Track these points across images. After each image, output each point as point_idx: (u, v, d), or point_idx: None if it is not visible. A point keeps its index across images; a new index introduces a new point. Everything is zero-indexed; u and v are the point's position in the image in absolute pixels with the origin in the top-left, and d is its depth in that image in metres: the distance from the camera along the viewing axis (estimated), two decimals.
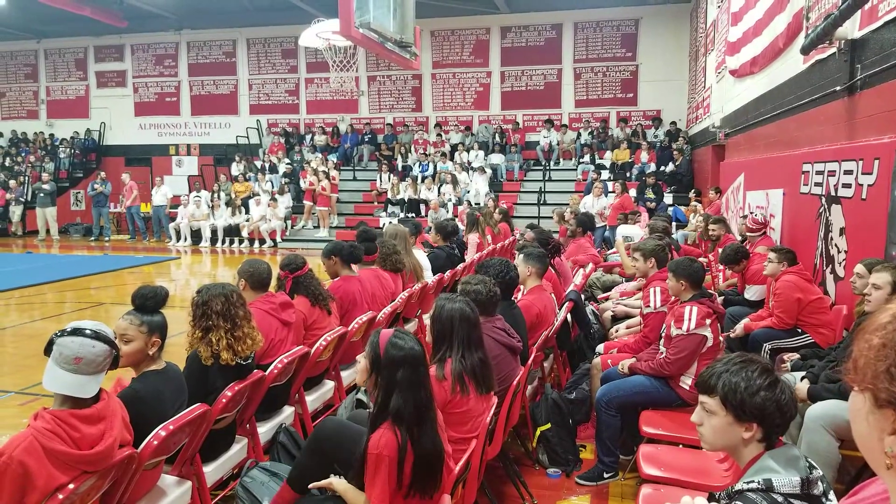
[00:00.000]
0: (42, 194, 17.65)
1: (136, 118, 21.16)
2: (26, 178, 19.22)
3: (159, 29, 19.99)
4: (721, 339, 4.07)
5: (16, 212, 18.43)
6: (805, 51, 5.98)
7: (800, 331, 4.83)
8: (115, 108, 21.24)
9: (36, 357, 2.28)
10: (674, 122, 16.88)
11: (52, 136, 21.53)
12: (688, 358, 3.84)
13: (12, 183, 18.82)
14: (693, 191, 13.13)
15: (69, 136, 21.11)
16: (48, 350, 2.31)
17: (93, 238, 17.81)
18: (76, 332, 2.29)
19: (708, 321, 3.84)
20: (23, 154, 20.93)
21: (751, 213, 7.48)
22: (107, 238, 17.66)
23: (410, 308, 5.94)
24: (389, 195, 16.69)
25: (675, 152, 15.63)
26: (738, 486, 1.69)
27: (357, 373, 2.61)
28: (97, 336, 2.31)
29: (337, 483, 2.49)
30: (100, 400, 2.33)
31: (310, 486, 2.56)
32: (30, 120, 22.06)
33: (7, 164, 20.59)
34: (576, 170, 16.80)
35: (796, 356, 4.38)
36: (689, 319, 3.82)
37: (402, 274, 6.02)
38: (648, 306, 4.59)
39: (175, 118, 20.89)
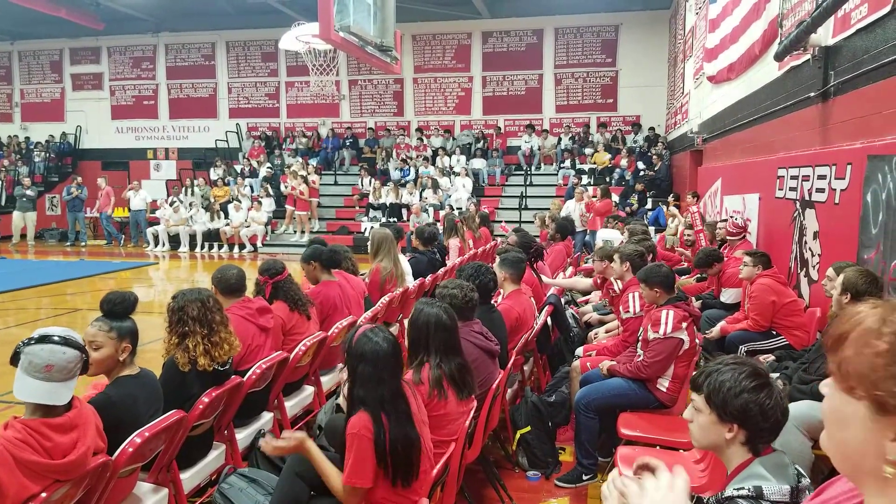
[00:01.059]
0: (24, 199, 17.39)
1: (112, 121, 20.94)
2: (0, 182, 18.92)
3: (137, 31, 19.82)
4: (697, 341, 4.11)
5: None
6: (779, 57, 6.07)
7: (774, 333, 4.90)
8: (92, 112, 21.00)
9: (8, 364, 2.24)
10: (652, 128, 17.04)
11: (27, 139, 21.23)
12: (665, 361, 3.89)
13: None
14: (672, 195, 13.26)
15: (44, 140, 20.83)
16: (14, 360, 2.27)
17: (69, 243, 17.56)
18: (44, 339, 2.26)
19: (684, 324, 3.89)
20: None
21: (730, 217, 7.56)
22: (83, 243, 17.42)
23: (391, 312, 5.93)
24: (371, 199, 16.66)
25: (653, 157, 15.77)
26: (728, 493, 1.70)
27: None
28: (67, 342, 2.28)
29: (309, 445, 2.58)
30: (72, 408, 2.30)
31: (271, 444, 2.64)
32: (3, 123, 21.73)
33: None
34: (557, 174, 16.90)
35: (771, 358, 4.44)
36: (666, 323, 3.86)
37: (380, 279, 6.02)
38: (627, 311, 4.62)
39: (153, 121, 20.70)
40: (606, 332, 5.50)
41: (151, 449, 2.67)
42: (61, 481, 2.19)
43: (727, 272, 6.17)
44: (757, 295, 4.94)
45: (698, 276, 7.42)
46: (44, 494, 2.12)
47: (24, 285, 11.08)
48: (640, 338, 4.10)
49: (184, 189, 17.30)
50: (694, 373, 2.00)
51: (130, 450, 2.47)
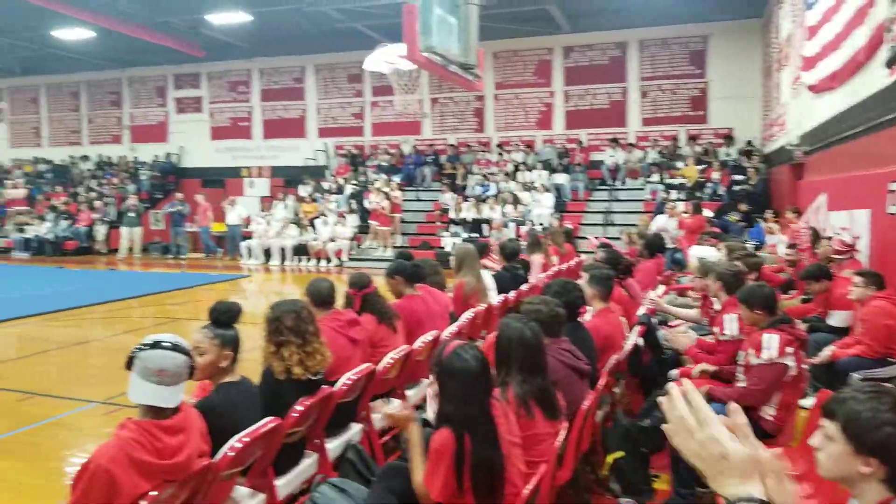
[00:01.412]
0: (132, 215, 18.57)
1: (211, 142, 22.06)
2: (110, 199, 20.26)
3: (233, 57, 20.86)
4: (805, 367, 3.88)
5: (100, 231, 19.45)
6: (890, 63, 5.74)
7: (891, 360, 4.56)
8: (192, 133, 22.20)
9: (120, 369, 2.39)
10: (748, 141, 16.41)
11: (135, 159, 22.61)
12: (769, 388, 3.68)
13: (98, 204, 19.86)
14: (770, 211, 12.68)
15: (150, 160, 22.16)
16: (130, 364, 2.40)
17: (170, 256, 18.55)
18: (157, 345, 2.39)
19: (790, 349, 3.68)
20: (107, 176, 22.09)
21: (836, 234, 7.16)
22: (183, 256, 18.35)
23: (475, 328, 5.92)
24: (452, 215, 16.78)
25: (749, 171, 15.16)
26: None
27: None
28: (177, 348, 2.41)
29: (413, 429, 2.65)
30: (180, 411, 2.42)
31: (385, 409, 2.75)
32: (114, 144, 23.30)
33: (93, 185, 21.76)
34: (643, 189, 16.51)
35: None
36: (770, 348, 3.65)
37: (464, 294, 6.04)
38: (724, 334, 4.42)
39: (247, 142, 21.67)
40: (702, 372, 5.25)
41: (250, 454, 2.77)
42: (169, 481, 2.30)
43: (835, 293, 5.75)
44: (870, 318, 4.63)
45: (802, 296, 7.03)
46: (153, 493, 2.23)
47: (130, 295, 11.78)
48: (741, 363, 3.91)
49: (275, 205, 17.98)
50: (827, 397, 1.86)
51: (231, 454, 2.57)
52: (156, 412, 2.36)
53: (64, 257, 18.55)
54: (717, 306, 5.09)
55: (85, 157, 23.36)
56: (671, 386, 1.22)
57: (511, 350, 2.99)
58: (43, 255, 18.88)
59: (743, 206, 13.86)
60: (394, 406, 2.79)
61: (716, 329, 4.59)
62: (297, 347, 3.24)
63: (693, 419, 1.16)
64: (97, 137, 23.57)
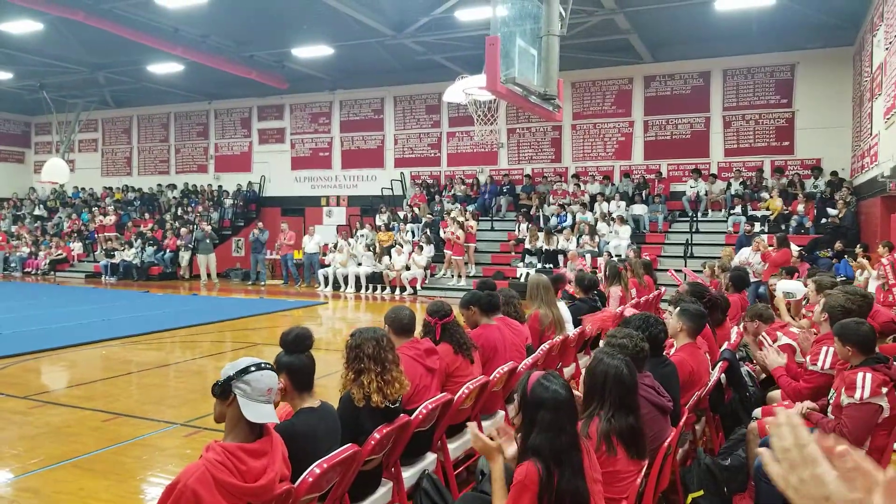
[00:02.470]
0: (207, 241, 19.31)
1: (292, 171, 22.81)
2: (195, 226, 21.15)
3: (315, 90, 21.62)
4: None
5: (185, 257, 20.31)
6: None
7: None
8: (275, 163, 23.04)
9: (199, 392, 2.47)
10: (835, 172, 15.71)
11: (219, 187, 23.61)
12: (862, 430, 3.48)
13: (183, 231, 20.79)
14: (860, 245, 12.06)
15: (233, 189, 23.09)
16: (225, 392, 2.41)
17: (250, 282, 19.14)
18: (259, 367, 2.45)
19: (884, 389, 3.47)
20: (192, 204, 23.12)
21: None
22: (262, 283, 18.91)
23: (551, 360, 5.83)
24: (527, 245, 16.70)
25: (838, 204, 14.48)
26: None
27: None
28: (273, 368, 2.51)
29: (498, 460, 2.59)
30: (264, 435, 2.46)
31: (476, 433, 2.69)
32: (200, 173, 24.42)
33: (179, 213, 22.82)
34: (726, 221, 16.00)
35: None
36: (863, 388, 3.47)
37: (540, 325, 5.97)
38: (815, 364, 4.22)
39: (327, 171, 22.29)
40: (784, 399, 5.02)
41: (328, 480, 2.78)
42: None
43: None
44: None
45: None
46: None
47: (210, 320, 12.19)
48: (832, 402, 3.70)
49: (352, 239, 18.38)
50: None
51: (310, 479, 2.60)
52: (242, 435, 2.41)
53: (149, 282, 19.46)
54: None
55: (172, 186, 24.57)
56: (779, 410, 1.16)
57: (606, 386, 2.92)
58: (129, 280, 19.85)
59: (839, 245, 13.15)
60: (486, 430, 2.75)
61: (808, 359, 4.37)
62: (376, 375, 3.25)
63: (798, 454, 1.09)
64: (184, 167, 24.78)
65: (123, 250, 20.95)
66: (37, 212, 25.69)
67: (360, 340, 3.33)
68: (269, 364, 2.50)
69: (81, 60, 19.26)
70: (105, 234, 22.31)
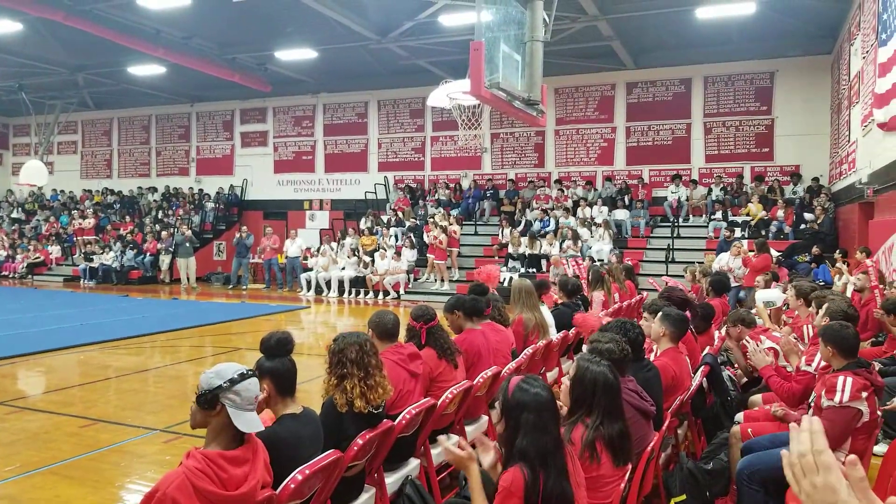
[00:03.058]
0: (188, 245, 19.10)
1: (275, 175, 22.69)
2: (175, 229, 20.95)
3: (299, 92, 21.55)
4: (878, 413, 3.70)
5: (165, 260, 20.09)
6: None
7: None
8: (257, 166, 22.91)
9: (179, 397, 2.44)
10: (815, 178, 15.92)
11: (200, 191, 23.42)
12: (840, 433, 3.52)
13: (164, 234, 20.56)
14: (838, 251, 12.23)
15: (214, 192, 22.90)
16: (212, 402, 2.36)
17: (230, 286, 18.96)
18: (244, 376, 2.42)
19: (864, 394, 3.52)
20: (173, 207, 22.91)
21: None
22: (244, 287, 18.76)
23: (534, 365, 5.83)
24: (510, 250, 16.73)
25: (816, 209, 14.68)
26: None
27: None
28: (254, 373, 2.48)
29: (473, 469, 2.57)
30: (245, 442, 2.43)
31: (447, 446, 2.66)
32: (181, 176, 24.21)
33: (159, 216, 22.60)
34: (707, 227, 16.16)
35: None
36: (843, 391, 3.51)
37: (524, 330, 5.97)
38: (810, 364, 4.28)
39: (310, 175, 22.20)
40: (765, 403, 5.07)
41: (310, 486, 2.76)
42: None
43: None
44: None
45: (872, 339, 6.72)
46: None
47: (190, 325, 12.06)
48: (812, 404, 3.74)
49: (338, 244, 18.28)
50: None
51: (292, 486, 2.57)
52: (227, 443, 2.38)
53: (129, 286, 19.23)
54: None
55: (153, 189, 24.33)
56: (804, 417, 1.18)
57: (596, 393, 2.93)
58: (108, 284, 19.62)
59: (816, 249, 13.33)
60: (453, 442, 2.72)
61: (804, 360, 4.43)
62: (359, 380, 3.23)
63: (813, 460, 1.12)
64: (165, 169, 24.56)
65: (103, 254, 20.71)
66: (14, 214, 25.32)
67: (343, 345, 3.30)
68: (251, 370, 2.47)
69: (61, 61, 19.03)
70: (84, 237, 22.02)
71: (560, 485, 2.41)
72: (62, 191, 25.71)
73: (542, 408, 2.48)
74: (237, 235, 18.91)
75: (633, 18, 14.73)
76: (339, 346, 3.31)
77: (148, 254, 20.32)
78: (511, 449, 2.47)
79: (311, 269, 17.78)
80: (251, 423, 2.39)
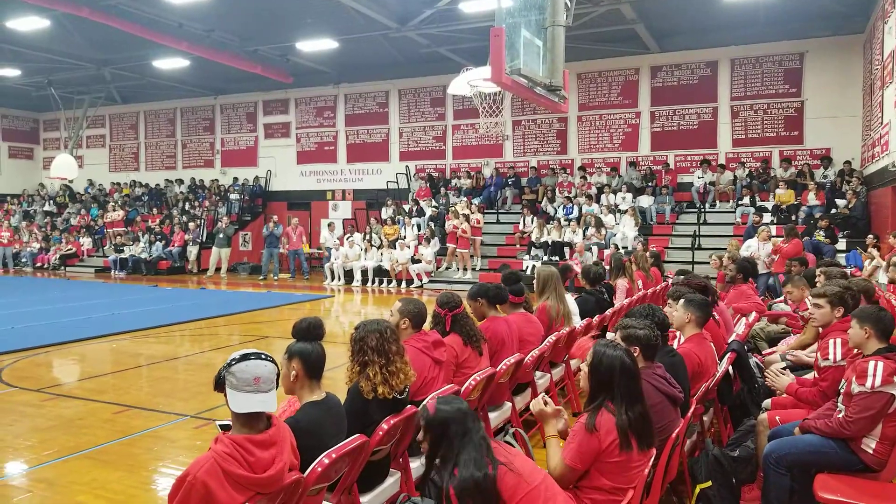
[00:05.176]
0: (221, 236, 19.40)
1: (297, 166, 22.86)
2: (202, 220, 21.23)
3: (320, 83, 21.64)
4: None
5: (192, 251, 20.41)
6: None
7: None
8: (280, 157, 23.09)
9: (207, 384, 2.46)
10: (847, 162, 15.59)
11: (226, 184, 23.61)
12: (872, 418, 3.45)
13: (191, 225, 20.87)
14: (870, 235, 12.00)
15: (239, 183, 23.12)
16: (219, 386, 2.45)
17: (261, 277, 19.06)
18: (245, 357, 2.45)
19: None
20: (199, 199, 23.19)
21: None
22: (275, 277, 18.93)
23: (557, 352, 5.84)
24: (533, 238, 16.67)
25: (848, 193, 14.40)
26: None
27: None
28: (265, 357, 2.48)
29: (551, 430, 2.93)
30: (272, 426, 2.47)
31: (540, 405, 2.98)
32: (206, 168, 24.51)
33: (186, 208, 22.90)
34: (734, 212, 15.94)
35: None
36: (874, 375, 3.43)
37: (548, 318, 5.97)
38: (827, 359, 4.18)
39: (332, 165, 22.32)
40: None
41: (336, 470, 2.80)
42: (262, 494, 2.35)
43: None
44: None
45: None
46: None
47: (219, 314, 12.24)
48: (842, 391, 3.68)
49: (364, 235, 18.39)
50: None
51: (319, 469, 2.61)
52: (249, 426, 2.41)
53: (158, 276, 19.55)
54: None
55: (179, 181, 24.65)
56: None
57: (614, 378, 2.93)
58: (138, 275, 19.95)
59: (824, 222, 13.24)
60: (542, 398, 3.04)
61: (819, 356, 4.34)
62: (380, 367, 3.28)
63: None
64: (191, 162, 24.86)
65: (132, 245, 21.06)
66: (46, 207, 25.82)
67: (363, 333, 3.36)
68: (261, 354, 2.48)
69: (88, 56, 19.33)
70: (114, 229, 22.40)
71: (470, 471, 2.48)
72: (93, 183, 26.14)
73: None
74: (267, 226, 19.06)
75: (656, 1, 14.53)
76: (359, 335, 3.36)
77: (176, 245, 20.62)
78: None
79: (334, 260, 17.87)
80: (248, 404, 2.38)
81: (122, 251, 20.96)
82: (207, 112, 24.35)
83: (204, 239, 20.71)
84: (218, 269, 19.53)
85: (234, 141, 24.00)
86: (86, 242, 22.49)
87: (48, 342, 9.38)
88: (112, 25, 15.28)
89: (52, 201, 26.16)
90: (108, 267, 20.73)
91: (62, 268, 21.64)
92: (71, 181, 23.99)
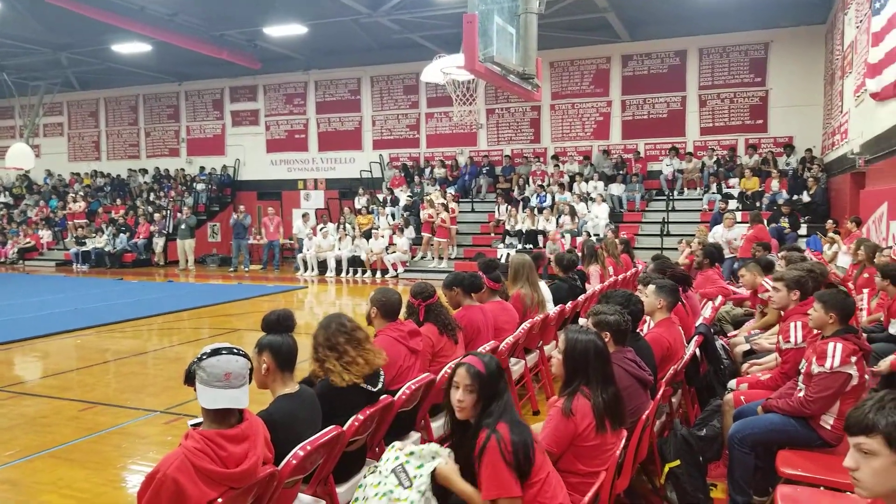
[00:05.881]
0: (183, 227, 19.06)
1: (267, 154, 22.51)
2: (168, 211, 20.83)
3: (289, 69, 21.31)
4: (867, 377, 3.78)
5: (159, 243, 20.02)
6: None
7: None
8: (249, 145, 22.71)
9: (177, 379, 2.43)
10: (809, 150, 15.91)
11: (202, 169, 23.13)
12: (831, 397, 3.61)
13: (156, 216, 20.47)
14: (830, 221, 12.29)
15: (206, 173, 22.71)
16: (189, 380, 2.41)
17: (231, 269, 18.83)
18: (216, 352, 2.42)
19: (853, 358, 3.60)
20: (165, 189, 22.74)
21: None
22: (246, 268, 18.71)
23: (532, 339, 5.88)
24: (507, 226, 16.73)
25: (809, 180, 14.71)
26: None
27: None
28: (237, 352, 2.44)
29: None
30: (244, 420, 2.44)
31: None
32: (171, 157, 23.96)
33: (151, 198, 22.45)
34: (701, 199, 16.18)
35: None
36: (833, 356, 3.58)
37: (523, 305, 6.01)
38: (788, 341, 4.31)
39: (303, 154, 22.05)
40: (758, 365, 5.13)
41: (312, 462, 2.79)
42: (235, 489, 2.32)
43: None
44: None
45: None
46: (220, 500, 2.26)
47: (187, 307, 12.05)
48: (803, 371, 3.80)
49: (337, 225, 18.26)
50: (851, 416, 1.82)
51: (294, 462, 2.60)
52: (220, 421, 2.38)
53: (123, 269, 19.13)
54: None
55: (143, 171, 24.09)
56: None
57: (589, 361, 2.99)
58: (102, 268, 19.53)
59: (786, 209, 13.55)
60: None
61: (780, 339, 4.46)
62: (336, 360, 3.28)
63: None
64: (155, 151, 24.30)
65: (95, 237, 20.59)
66: (2, 199, 25.05)
67: (315, 331, 3.41)
68: (233, 349, 2.44)
69: (42, 41, 18.62)
70: (75, 221, 21.86)
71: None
72: (52, 174, 25.43)
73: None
74: (234, 216, 18.82)
75: None
76: (314, 334, 3.41)
77: (141, 237, 20.22)
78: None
79: (306, 250, 17.73)
80: (217, 399, 2.36)
81: (85, 244, 20.46)
82: (172, 99, 23.83)
83: (171, 230, 20.27)
84: (186, 261, 19.19)
85: (201, 129, 23.53)
86: (45, 235, 21.90)
87: (8, 339, 9.13)
88: (68, 8, 14.74)
89: (7, 192, 25.37)
90: (70, 260, 20.25)
91: (20, 262, 21.07)
92: (28, 171, 23.33)
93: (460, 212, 17.94)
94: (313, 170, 21.97)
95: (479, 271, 5.59)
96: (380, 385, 3.41)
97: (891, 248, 6.75)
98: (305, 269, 17.51)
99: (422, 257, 17.13)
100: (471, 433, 2.60)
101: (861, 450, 1.75)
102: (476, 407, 2.62)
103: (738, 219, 13.38)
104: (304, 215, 19.18)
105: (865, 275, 6.83)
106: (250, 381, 2.50)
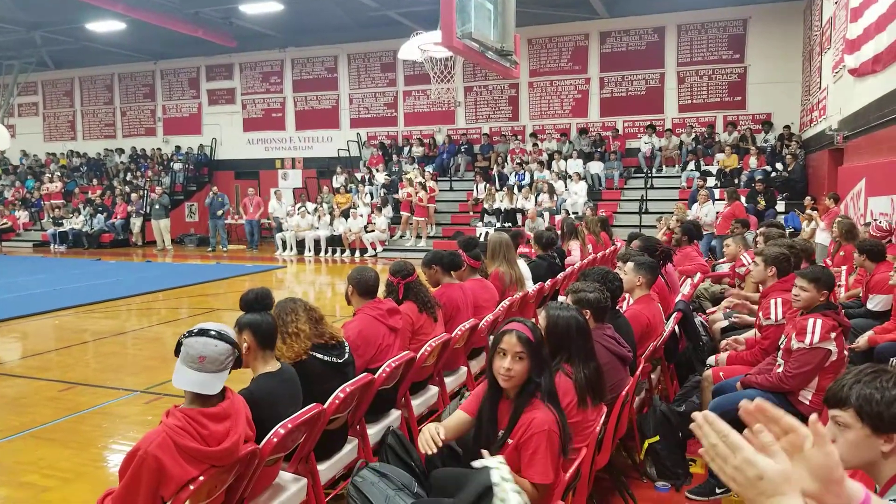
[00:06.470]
0: (157, 206, 18.83)
1: (244, 133, 22.23)
2: (145, 191, 20.56)
3: (266, 47, 20.99)
4: (846, 352, 3.83)
5: (136, 223, 19.80)
6: None
7: None
8: (226, 125, 22.42)
9: (157, 359, 2.43)
10: (787, 126, 16.03)
11: (178, 149, 22.83)
12: (810, 372, 3.67)
13: (133, 196, 20.20)
14: (808, 197, 12.44)
15: (183, 152, 22.41)
16: (178, 351, 2.42)
17: (210, 248, 18.68)
18: (202, 332, 2.41)
19: (833, 334, 3.64)
20: (142, 169, 22.43)
21: (874, 220, 6.98)
22: (224, 248, 18.57)
23: (511, 316, 5.91)
24: (485, 205, 16.73)
25: (787, 157, 14.85)
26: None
27: None
28: (220, 336, 2.42)
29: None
30: (225, 398, 2.44)
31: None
32: (148, 137, 23.61)
33: (128, 178, 22.13)
34: (680, 177, 16.28)
35: None
36: (813, 332, 3.62)
37: (502, 283, 6.04)
38: (769, 318, 4.36)
39: (280, 133, 21.81)
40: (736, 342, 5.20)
41: (293, 440, 2.80)
42: (216, 466, 2.33)
43: (875, 278, 5.68)
44: None
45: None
46: (201, 478, 2.27)
47: (166, 287, 11.95)
48: (782, 347, 3.86)
49: (316, 205, 18.12)
50: (829, 389, 1.86)
51: (275, 440, 2.61)
52: (202, 400, 2.38)
53: (101, 250, 18.93)
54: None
55: (120, 150, 23.74)
56: (696, 415, 1.22)
57: (571, 337, 3.02)
58: (79, 248, 19.28)
59: (759, 186, 13.70)
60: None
61: (761, 315, 4.52)
62: (280, 343, 3.26)
63: (724, 446, 1.17)
64: (131, 130, 23.92)
65: (72, 218, 20.31)
66: None
67: None
68: (220, 333, 2.43)
69: (15, 19, 18.21)
70: (52, 201, 21.52)
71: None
72: (28, 154, 24.97)
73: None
74: (210, 196, 18.62)
75: None
76: None
77: (118, 217, 19.97)
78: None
79: (285, 230, 17.63)
80: (184, 380, 2.35)
81: (62, 224, 20.18)
82: (147, 78, 23.41)
83: (148, 210, 20.02)
84: (163, 241, 18.99)
85: (177, 108, 23.17)
86: (22, 216, 21.53)
87: None
88: None
89: None
90: (47, 241, 19.96)
91: None
92: (3, 152, 22.85)
93: (439, 191, 17.88)
94: (291, 149, 21.75)
95: (460, 249, 5.60)
96: (346, 356, 3.43)
97: (870, 224, 6.85)
98: (284, 248, 17.41)
99: (400, 236, 17.10)
100: (519, 403, 2.62)
101: (836, 422, 1.78)
102: (524, 375, 2.62)
103: (717, 196, 13.50)
104: (276, 192, 19.00)
105: (842, 252, 6.94)
106: (234, 368, 2.50)
